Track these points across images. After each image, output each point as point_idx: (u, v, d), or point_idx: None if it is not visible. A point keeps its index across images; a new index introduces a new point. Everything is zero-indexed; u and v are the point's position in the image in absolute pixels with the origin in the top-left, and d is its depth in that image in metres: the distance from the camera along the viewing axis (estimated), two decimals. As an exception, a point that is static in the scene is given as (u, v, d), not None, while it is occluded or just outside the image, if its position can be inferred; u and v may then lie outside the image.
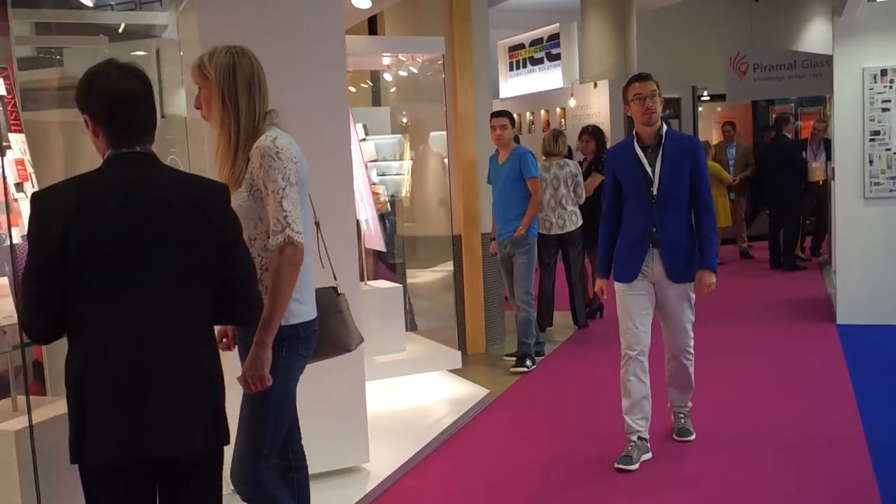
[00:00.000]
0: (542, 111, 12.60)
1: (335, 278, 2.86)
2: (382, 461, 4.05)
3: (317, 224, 2.82)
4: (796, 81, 10.90)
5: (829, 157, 9.22)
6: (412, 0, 6.59)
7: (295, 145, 2.59)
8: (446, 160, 6.31)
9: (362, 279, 5.28)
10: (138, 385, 2.03)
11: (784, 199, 9.50)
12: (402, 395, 5.30)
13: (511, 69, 13.53)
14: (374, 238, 5.36)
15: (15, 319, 2.72)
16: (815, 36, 13.98)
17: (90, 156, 3.76)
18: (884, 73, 6.54)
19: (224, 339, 2.75)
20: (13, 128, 2.92)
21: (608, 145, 7.31)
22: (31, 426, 2.45)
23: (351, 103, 4.68)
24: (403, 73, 5.96)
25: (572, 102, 11.68)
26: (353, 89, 7.34)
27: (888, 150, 6.57)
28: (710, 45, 12.98)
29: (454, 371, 5.67)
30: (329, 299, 2.79)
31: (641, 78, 3.98)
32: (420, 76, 6.09)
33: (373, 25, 9.99)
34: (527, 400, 5.30)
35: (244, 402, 2.56)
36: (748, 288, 8.79)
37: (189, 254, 2.09)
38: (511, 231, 5.83)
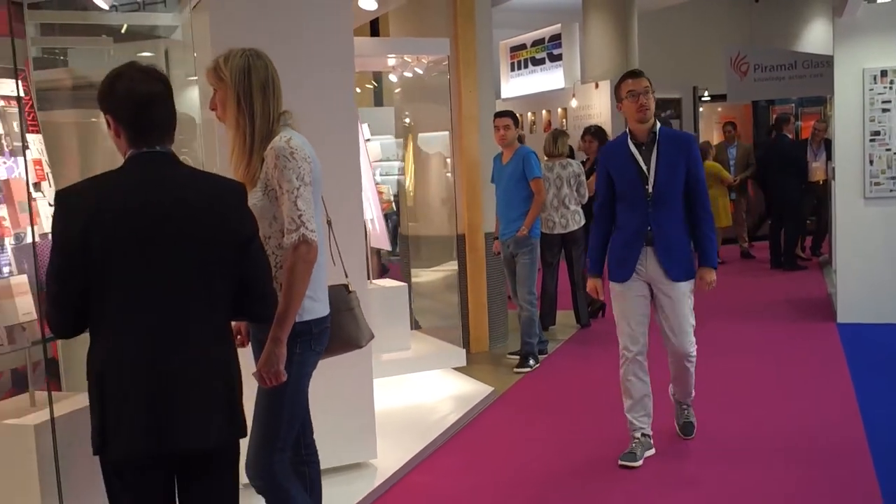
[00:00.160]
0: (544, 111, 12.65)
1: (346, 276, 2.92)
2: (390, 457, 4.10)
3: (328, 223, 2.87)
4: (797, 82, 10.95)
5: (829, 157, 9.27)
6: (416, 1, 6.64)
7: (308, 146, 2.65)
8: (449, 160, 6.36)
9: (368, 278, 5.33)
10: (158, 380, 2.08)
11: (785, 199, 9.55)
12: (407, 392, 5.35)
13: (512, 69, 13.58)
14: (380, 237, 5.42)
15: (34, 316, 2.78)
16: (816, 36, 14.03)
17: (102, 155, 3.82)
18: (884, 73, 6.60)
19: (238, 336, 2.80)
20: (30, 128, 2.98)
21: (610, 145, 7.35)
22: (52, 419, 2.50)
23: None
24: (409, 74, 6.01)
25: (574, 103, 11.73)
26: (357, 90, 7.39)
27: (888, 150, 6.62)
28: (710, 46, 13.02)
29: (458, 369, 5.73)
30: (340, 297, 2.84)
31: (634, 74, 3.94)
32: (424, 77, 6.14)
33: (374, 27, 10.05)
34: (531, 398, 5.36)
35: (259, 397, 2.62)
36: (749, 287, 8.85)
37: (207, 252, 2.14)
38: (514, 231, 5.87)
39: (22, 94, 2.93)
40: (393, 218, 6.63)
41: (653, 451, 4.07)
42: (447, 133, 6.34)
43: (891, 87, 6.60)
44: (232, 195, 2.24)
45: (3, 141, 2.88)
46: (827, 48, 9.76)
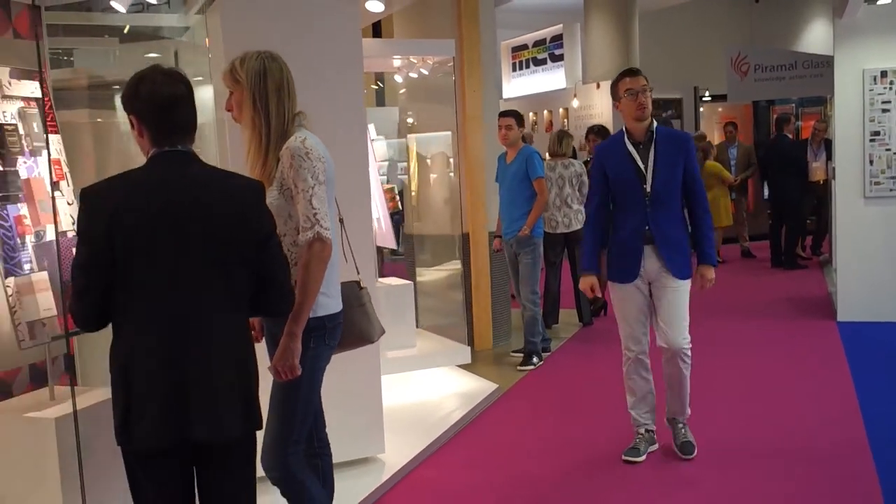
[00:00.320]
0: (546, 111, 12.72)
1: (358, 273, 2.98)
2: (397, 452, 4.17)
3: (341, 221, 2.94)
4: (797, 82, 11.02)
5: (829, 157, 9.34)
6: (421, 2, 6.71)
7: (322, 146, 2.71)
8: (452, 160, 6.43)
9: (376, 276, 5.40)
10: (179, 374, 2.14)
11: (785, 198, 9.61)
12: (412, 389, 5.42)
13: (514, 70, 13.65)
14: (386, 236, 5.49)
15: (54, 312, 2.84)
16: (816, 37, 14.10)
17: (115, 154, 3.89)
18: (884, 74, 6.67)
19: (252, 332, 2.86)
20: (49, 128, 3.04)
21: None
22: (75, 412, 2.57)
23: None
24: (414, 75, 6.08)
25: (575, 103, 11.80)
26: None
27: (888, 150, 6.69)
28: (711, 46, 13.09)
29: (462, 366, 5.79)
30: (353, 293, 2.91)
31: (632, 73, 3.89)
32: (428, 78, 6.21)
33: (377, 28, 10.12)
34: (534, 394, 5.42)
35: (274, 391, 2.68)
36: (749, 286, 8.91)
37: (227, 250, 2.20)
38: (517, 230, 5.92)
39: (40, 94, 2.99)
40: (395, 217, 6.69)
41: (656, 447, 4.12)
42: (450, 133, 6.41)
43: (890, 88, 6.67)
44: (251, 194, 2.30)
45: (24, 141, 2.94)
46: (827, 48, 9.82)
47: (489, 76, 6.60)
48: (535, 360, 6.01)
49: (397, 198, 6.30)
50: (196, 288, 2.17)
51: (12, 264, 2.80)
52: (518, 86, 13.48)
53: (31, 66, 3.19)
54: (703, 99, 12.85)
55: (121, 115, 4.18)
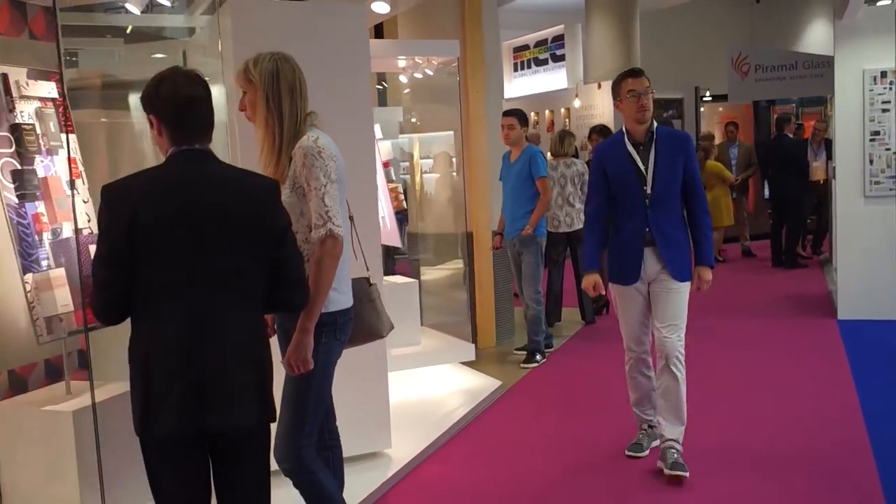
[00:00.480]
0: (547, 111, 12.78)
1: (367, 269, 3.04)
2: (403, 447, 4.23)
3: (351, 219, 2.99)
4: (797, 82, 11.07)
5: (829, 157, 9.40)
6: (425, 3, 6.77)
7: (334, 145, 2.77)
8: (454, 159, 6.49)
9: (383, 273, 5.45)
10: (196, 367, 2.20)
11: (786, 198, 9.67)
12: (417, 386, 5.48)
13: (515, 70, 13.71)
14: (391, 234, 5.54)
15: (71, 308, 2.90)
16: (816, 37, 14.16)
17: (129, 153, 3.95)
18: (884, 74, 6.73)
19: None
20: (64, 128, 3.10)
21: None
22: (94, 404, 2.63)
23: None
24: (419, 76, 6.14)
25: (577, 103, 11.86)
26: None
27: (888, 149, 6.76)
28: (712, 46, 13.14)
29: (466, 364, 5.85)
30: (362, 289, 2.96)
31: (634, 73, 3.83)
32: (430, 78, 6.27)
33: (379, 29, 10.16)
34: (538, 391, 5.48)
35: (287, 385, 2.74)
36: (750, 285, 8.97)
37: (242, 248, 2.26)
38: (519, 229, 5.97)
39: (56, 95, 3.05)
40: (399, 216, 6.75)
41: (658, 443, 4.12)
42: (452, 133, 6.47)
43: (890, 88, 6.73)
44: (266, 192, 2.36)
45: (41, 140, 3.01)
46: (827, 49, 9.87)
47: (492, 77, 6.66)
48: (538, 357, 6.07)
49: (401, 196, 6.35)
50: (213, 285, 2.23)
51: (30, 261, 2.86)
52: (519, 86, 13.54)
53: (48, 67, 3.26)
54: (704, 99, 12.91)
55: (131, 115, 4.24)
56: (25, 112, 3.00)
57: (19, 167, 2.92)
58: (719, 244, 10.32)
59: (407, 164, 7.62)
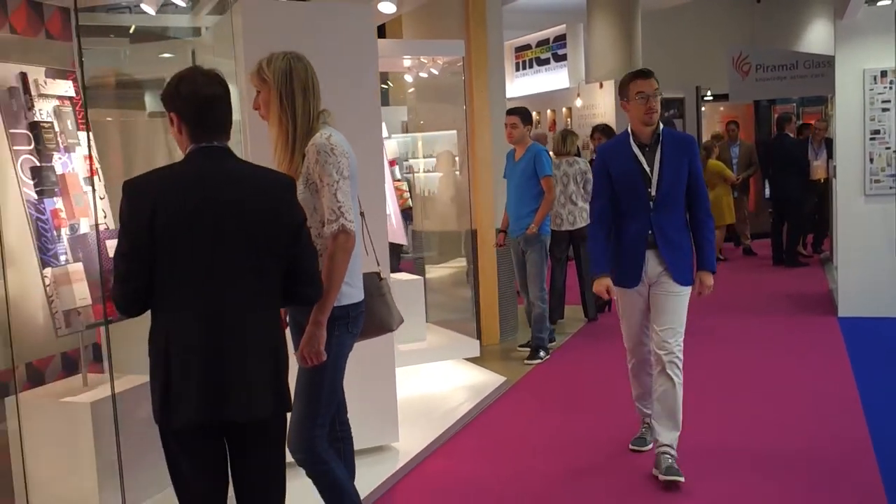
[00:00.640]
0: (549, 111, 12.85)
1: (378, 264, 3.11)
2: (410, 441, 4.30)
3: (362, 215, 3.05)
4: (798, 82, 11.14)
5: (830, 156, 9.46)
6: (429, 3, 6.83)
7: (346, 142, 2.83)
8: (457, 158, 6.55)
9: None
10: (215, 359, 2.26)
11: (786, 197, 9.73)
12: (423, 381, 5.55)
13: (517, 69, 13.77)
14: (397, 232, 5.60)
15: (89, 301, 2.97)
16: (817, 37, 14.21)
17: (140, 152, 4.02)
18: (884, 74, 6.80)
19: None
20: (81, 126, 3.16)
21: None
22: (113, 395, 2.69)
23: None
24: (424, 75, 6.20)
25: (578, 102, 11.92)
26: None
27: (888, 148, 6.83)
28: (713, 46, 13.19)
29: (471, 360, 5.92)
30: (373, 283, 3.03)
31: (644, 75, 3.78)
32: (435, 78, 6.33)
33: (381, 29, 10.22)
34: (542, 387, 5.55)
35: (300, 377, 2.80)
36: (751, 283, 9.02)
37: (259, 244, 2.32)
38: (524, 228, 6.02)
39: (73, 93, 3.11)
40: (404, 214, 6.82)
41: None
42: (454, 132, 6.53)
43: (890, 88, 6.80)
44: (282, 188, 2.42)
45: (59, 138, 3.07)
46: (827, 48, 9.93)
47: (496, 76, 6.72)
48: (542, 354, 6.13)
49: (406, 195, 6.42)
50: (230, 281, 2.28)
51: (49, 255, 2.92)
52: (521, 85, 13.60)
53: (64, 66, 3.33)
54: (705, 98, 12.97)
55: (140, 113, 4.31)
56: (44, 110, 3.06)
57: (38, 164, 2.98)
58: (720, 243, 10.38)
59: (409, 162, 7.69)
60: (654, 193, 3.71)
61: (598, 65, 11.74)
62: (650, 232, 3.73)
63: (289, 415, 2.53)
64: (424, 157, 7.30)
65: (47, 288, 2.90)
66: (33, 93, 3.01)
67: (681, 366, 3.77)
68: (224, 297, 2.27)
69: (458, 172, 6.74)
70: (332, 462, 2.84)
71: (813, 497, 3.59)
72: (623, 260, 3.83)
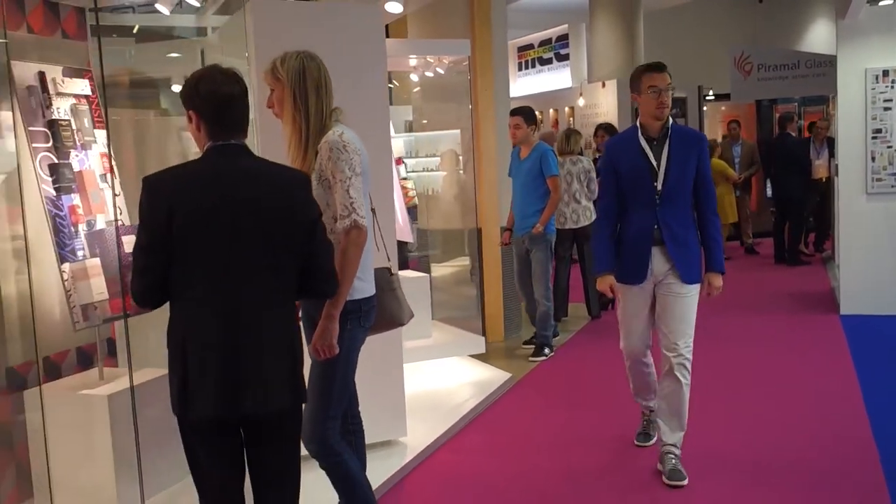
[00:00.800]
0: (552, 110, 12.89)
1: (389, 259, 3.16)
2: (418, 435, 4.35)
3: (373, 211, 3.11)
4: (800, 81, 11.18)
5: (831, 155, 9.51)
6: (434, 3, 6.88)
7: (358, 140, 2.89)
8: (461, 157, 6.60)
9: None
10: (233, 353, 2.30)
11: (788, 196, 9.78)
12: (429, 378, 5.60)
13: (520, 69, 13.81)
14: (403, 230, 5.66)
15: (105, 296, 3.02)
16: (818, 36, 14.27)
17: (153, 151, 4.07)
18: (885, 73, 6.86)
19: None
20: (97, 124, 3.22)
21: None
22: (132, 387, 2.74)
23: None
24: (430, 74, 6.25)
25: (581, 102, 11.97)
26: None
27: (889, 147, 6.89)
28: (714, 46, 13.25)
29: (476, 357, 5.97)
30: (384, 278, 3.08)
31: (658, 69, 3.71)
32: (439, 77, 6.38)
33: (386, 29, 10.27)
34: (547, 383, 5.60)
35: (314, 370, 2.86)
36: (753, 282, 9.07)
37: (275, 240, 2.36)
38: (529, 227, 6.06)
39: (89, 92, 3.16)
40: (411, 212, 6.87)
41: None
42: (458, 131, 6.58)
43: (892, 87, 6.85)
44: (297, 185, 2.46)
45: (76, 136, 3.12)
46: (829, 48, 9.99)
47: (501, 76, 6.78)
48: (546, 351, 6.19)
49: (412, 193, 6.47)
50: (247, 277, 2.32)
51: (67, 251, 2.98)
52: (524, 85, 13.64)
53: (79, 65, 3.38)
54: (707, 98, 13.02)
55: (149, 112, 4.36)
56: (61, 108, 3.12)
57: (56, 161, 3.04)
58: (722, 242, 10.42)
59: (413, 161, 7.75)
60: (660, 188, 3.67)
61: (600, 64, 11.79)
62: (656, 227, 3.68)
63: (303, 407, 2.58)
64: (427, 157, 7.36)
65: (65, 283, 2.95)
66: (51, 91, 3.06)
67: (689, 367, 3.74)
68: (240, 294, 2.31)
69: (461, 171, 6.80)
70: (345, 454, 2.89)
71: (815, 495, 3.61)
72: (628, 255, 3.77)
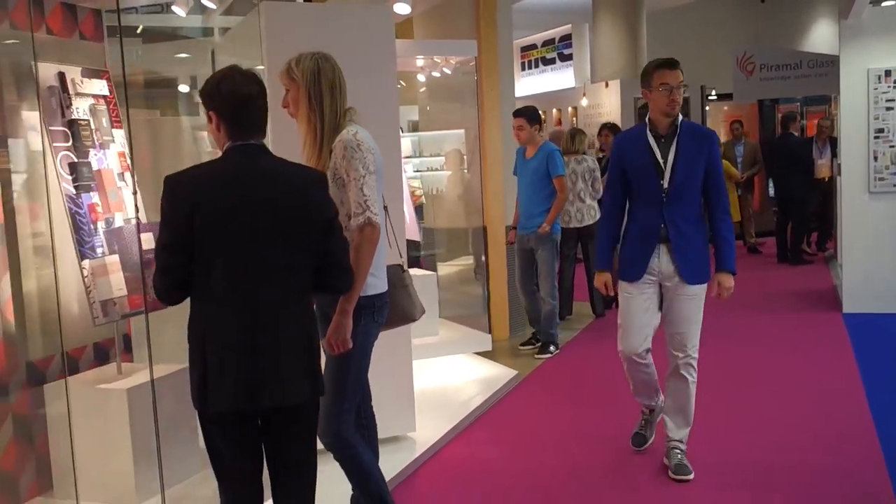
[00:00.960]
0: (555, 110, 12.95)
1: (401, 256, 3.22)
2: (427, 431, 4.41)
3: (385, 209, 3.16)
4: (802, 81, 11.22)
5: (834, 155, 9.56)
6: (440, 5, 6.94)
7: (371, 139, 2.94)
8: (465, 157, 6.65)
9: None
10: (252, 348, 2.36)
11: (791, 195, 9.82)
12: (437, 374, 5.66)
13: (523, 69, 13.86)
14: (410, 228, 5.72)
15: (124, 292, 3.08)
16: (820, 36, 14.31)
17: (168, 150, 4.13)
18: (888, 73, 6.92)
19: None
20: (115, 124, 3.28)
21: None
22: (152, 381, 2.81)
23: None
24: (437, 74, 6.31)
25: (584, 102, 12.02)
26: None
27: (892, 146, 6.94)
28: (717, 46, 13.29)
29: (482, 354, 6.03)
30: (396, 275, 3.14)
31: (670, 65, 3.60)
32: (444, 77, 6.44)
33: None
34: (552, 381, 5.66)
35: (328, 364, 2.91)
36: (756, 281, 9.10)
37: (294, 237, 2.41)
38: (534, 226, 6.10)
39: (107, 92, 3.23)
40: (418, 211, 6.93)
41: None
42: (462, 131, 6.63)
43: (894, 87, 6.91)
44: (313, 184, 2.51)
45: (94, 135, 3.19)
46: (831, 48, 10.04)
47: (506, 75, 6.84)
48: (552, 348, 6.25)
49: (420, 191, 6.54)
50: (265, 275, 2.37)
51: (87, 248, 3.04)
52: (527, 85, 13.69)
53: (96, 66, 3.44)
54: (710, 98, 13.06)
55: (157, 112, 4.42)
56: (81, 108, 3.18)
57: (76, 160, 3.10)
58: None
59: (417, 161, 7.81)
60: (666, 186, 3.60)
61: (603, 64, 11.82)
62: (663, 226, 3.62)
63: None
64: (431, 156, 7.42)
65: (85, 279, 3.01)
66: (71, 91, 3.12)
67: (696, 366, 3.75)
68: (258, 294, 2.36)
69: (466, 171, 6.86)
70: (359, 446, 2.95)
71: (819, 493, 3.62)
72: (631, 252, 3.73)
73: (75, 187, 3.05)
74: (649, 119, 3.70)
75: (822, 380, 5.34)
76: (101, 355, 3.48)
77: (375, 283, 2.94)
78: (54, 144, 3.03)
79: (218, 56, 5.03)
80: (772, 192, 11.03)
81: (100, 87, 3.27)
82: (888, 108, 6.92)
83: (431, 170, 7.46)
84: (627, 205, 3.80)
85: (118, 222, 3.22)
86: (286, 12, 3.94)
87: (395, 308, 3.12)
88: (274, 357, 2.38)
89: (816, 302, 7.74)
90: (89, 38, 3.52)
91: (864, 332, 6.48)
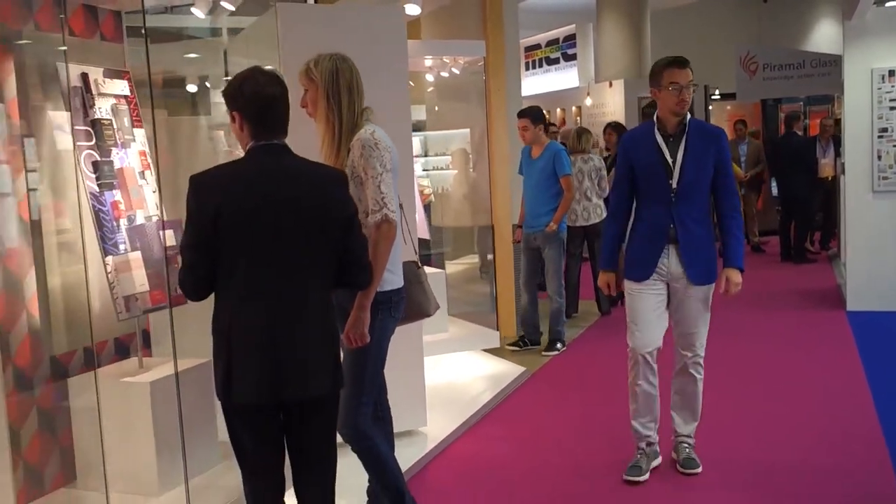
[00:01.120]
0: (559, 110, 13.01)
1: (416, 253, 3.29)
2: (438, 426, 4.48)
3: (401, 206, 3.23)
4: (805, 81, 11.28)
5: (837, 154, 9.62)
6: (448, 5, 7.01)
7: (388, 138, 3.01)
8: (471, 156, 6.71)
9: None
10: (274, 342, 2.43)
11: (794, 195, 9.88)
12: (446, 371, 5.73)
13: (527, 69, 13.93)
14: (420, 226, 5.78)
15: (146, 288, 3.15)
16: (823, 36, 14.36)
17: (186, 150, 4.19)
18: (892, 73, 6.99)
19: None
20: (135, 123, 3.35)
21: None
22: (176, 374, 2.87)
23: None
24: (445, 74, 6.38)
25: (588, 101, 12.08)
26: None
27: (895, 146, 7.01)
28: (720, 46, 13.34)
29: (490, 352, 6.10)
30: (412, 271, 3.21)
31: (680, 64, 3.56)
32: (451, 77, 6.51)
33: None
34: (560, 377, 5.73)
35: (346, 358, 2.96)
36: (760, 279, 9.13)
37: (315, 234, 2.48)
38: (541, 225, 6.16)
39: (128, 92, 3.30)
40: (426, 210, 7.00)
41: (659, 461, 3.92)
42: (467, 131, 6.69)
43: (898, 86, 6.98)
44: (334, 183, 2.58)
45: (116, 135, 3.26)
46: (834, 48, 10.09)
47: (512, 75, 6.90)
48: (559, 346, 6.32)
49: (429, 190, 6.61)
50: (289, 273, 2.44)
51: (110, 244, 3.11)
52: (531, 85, 13.75)
53: (117, 67, 3.51)
54: (713, 97, 13.11)
55: (166, 113, 4.48)
56: (103, 108, 3.25)
57: (99, 159, 3.17)
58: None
59: (424, 160, 7.88)
60: (675, 185, 3.58)
61: (607, 64, 11.89)
62: (672, 226, 3.60)
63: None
64: (437, 155, 7.48)
65: (109, 275, 3.08)
66: (93, 92, 3.19)
67: (702, 363, 3.78)
68: (281, 293, 2.43)
69: (472, 170, 6.92)
70: (376, 438, 3.02)
71: (824, 492, 3.63)
72: (638, 251, 3.70)
73: (98, 185, 3.13)
74: (657, 118, 3.67)
75: (827, 378, 5.38)
76: (122, 350, 3.55)
77: (392, 278, 3.01)
78: (78, 143, 3.10)
79: (231, 56, 5.09)
80: (775, 191, 11.08)
81: (121, 87, 3.34)
82: (892, 108, 6.99)
83: (438, 169, 7.53)
84: (634, 204, 3.80)
85: (139, 219, 3.29)
86: (300, 13, 4.00)
87: (411, 303, 3.19)
88: (296, 352, 2.44)
89: (820, 300, 7.80)
90: (109, 39, 3.59)
91: (867, 331, 6.53)
